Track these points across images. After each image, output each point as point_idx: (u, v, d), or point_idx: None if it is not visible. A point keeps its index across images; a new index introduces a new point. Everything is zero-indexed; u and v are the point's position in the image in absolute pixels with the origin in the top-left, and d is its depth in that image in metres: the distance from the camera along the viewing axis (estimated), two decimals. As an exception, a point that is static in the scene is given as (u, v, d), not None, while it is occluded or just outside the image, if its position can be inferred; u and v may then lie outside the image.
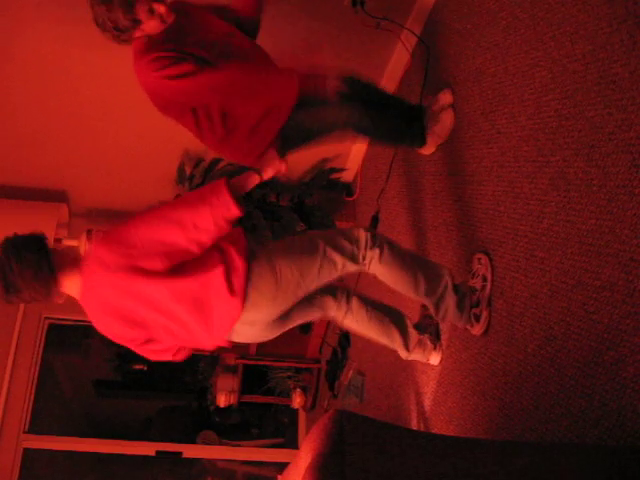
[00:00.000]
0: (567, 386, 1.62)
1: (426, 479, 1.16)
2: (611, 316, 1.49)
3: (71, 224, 3.79)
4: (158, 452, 4.12)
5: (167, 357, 2.11)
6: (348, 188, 3.90)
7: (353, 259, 1.99)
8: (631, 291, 1.43)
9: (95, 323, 1.96)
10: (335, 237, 2.01)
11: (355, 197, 3.81)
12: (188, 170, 3.57)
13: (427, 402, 2.47)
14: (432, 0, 2.82)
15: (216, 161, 3.54)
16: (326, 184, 3.74)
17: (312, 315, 2.14)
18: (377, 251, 2.00)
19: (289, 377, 4.39)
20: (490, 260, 2.09)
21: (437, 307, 2.10)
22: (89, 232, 3.60)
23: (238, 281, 1.86)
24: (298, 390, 4.33)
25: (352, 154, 3.75)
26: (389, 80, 3.20)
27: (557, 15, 1.84)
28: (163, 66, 2.16)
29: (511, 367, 1.90)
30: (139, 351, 2.05)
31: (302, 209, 3.60)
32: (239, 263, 1.87)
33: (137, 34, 2.17)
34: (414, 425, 2.57)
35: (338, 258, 1.97)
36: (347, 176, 3.86)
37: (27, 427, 3.84)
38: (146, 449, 4.19)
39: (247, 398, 4.42)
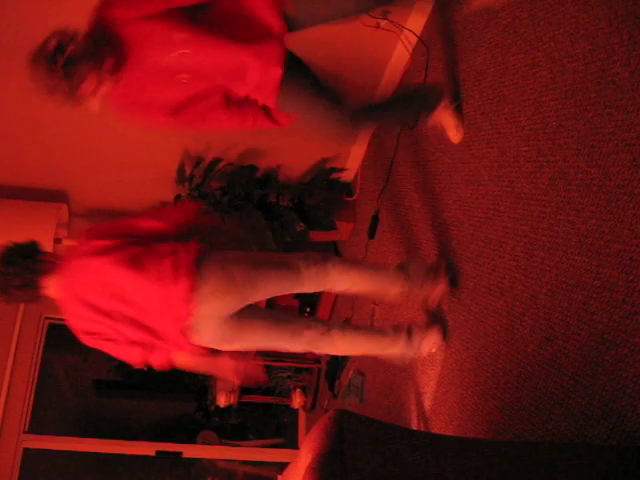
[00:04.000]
0: (567, 386, 1.62)
1: (425, 479, 1.16)
2: (611, 316, 1.49)
3: (71, 224, 3.79)
4: (158, 452, 4.12)
5: (136, 356, 2.11)
6: (348, 188, 3.90)
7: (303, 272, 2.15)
8: (631, 291, 1.43)
9: (68, 319, 2.11)
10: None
11: (355, 197, 3.81)
12: (188, 170, 3.57)
13: (427, 402, 2.47)
14: (432, 0, 2.82)
15: (216, 161, 3.54)
16: (326, 184, 3.74)
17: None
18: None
19: (289, 377, 4.39)
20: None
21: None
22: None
23: (184, 269, 2.00)
24: (298, 390, 4.32)
25: (352, 154, 3.75)
26: (389, 80, 3.21)
27: (557, 15, 1.84)
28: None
29: (511, 367, 1.90)
30: (104, 347, 2.19)
31: (302, 209, 3.60)
32: (185, 257, 2.02)
33: None
34: (414, 425, 2.57)
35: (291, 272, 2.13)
36: (347, 176, 3.85)
37: (27, 427, 3.84)
38: (146, 449, 4.18)
39: (247, 398, 4.42)
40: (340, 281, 2.23)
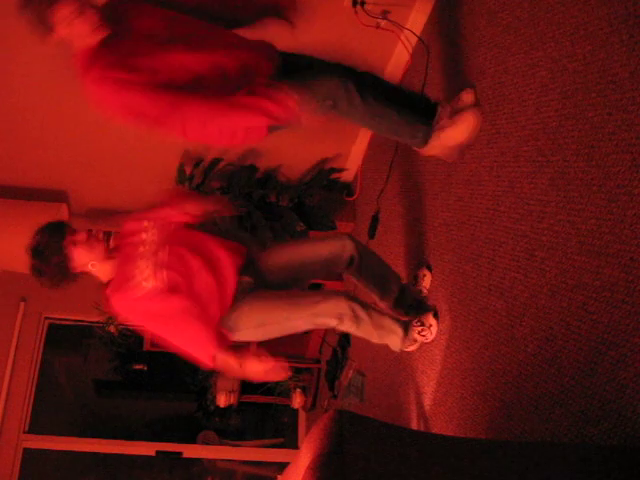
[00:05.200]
0: (567, 386, 1.62)
1: (426, 479, 1.16)
2: (611, 316, 1.49)
3: (71, 224, 3.79)
4: (158, 452, 4.13)
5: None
6: (348, 188, 3.90)
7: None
8: (631, 291, 1.43)
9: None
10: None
11: (355, 197, 3.81)
12: (188, 170, 3.57)
13: (427, 402, 2.47)
14: (432, 0, 2.82)
15: (216, 161, 3.54)
16: (326, 184, 3.74)
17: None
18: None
19: (289, 377, 4.39)
20: (431, 272, 2.54)
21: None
22: (89, 232, 3.60)
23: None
24: (298, 390, 4.32)
25: (352, 154, 3.75)
26: (389, 80, 3.20)
27: (557, 15, 1.84)
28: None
29: (511, 367, 1.90)
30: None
31: (302, 209, 3.61)
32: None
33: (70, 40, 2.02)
34: (414, 425, 2.57)
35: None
36: (347, 176, 3.86)
37: (27, 427, 3.84)
38: (146, 449, 4.19)
39: (247, 398, 4.42)
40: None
